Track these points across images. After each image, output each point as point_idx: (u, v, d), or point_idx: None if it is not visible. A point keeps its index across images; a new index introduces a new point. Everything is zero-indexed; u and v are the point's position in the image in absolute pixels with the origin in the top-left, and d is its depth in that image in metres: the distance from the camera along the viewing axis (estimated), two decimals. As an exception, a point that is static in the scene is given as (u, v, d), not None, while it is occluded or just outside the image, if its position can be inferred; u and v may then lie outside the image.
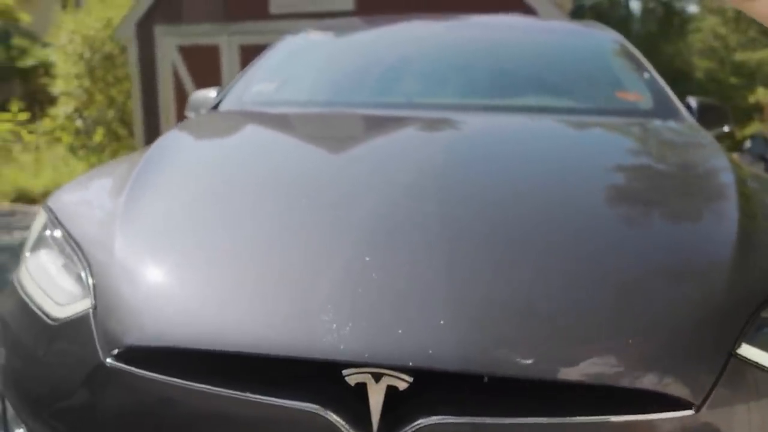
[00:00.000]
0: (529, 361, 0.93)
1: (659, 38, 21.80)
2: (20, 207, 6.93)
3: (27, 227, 5.80)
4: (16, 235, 5.40)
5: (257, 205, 1.33)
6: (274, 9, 7.58)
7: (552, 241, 1.18)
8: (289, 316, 1.01)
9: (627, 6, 25.41)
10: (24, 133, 8.73)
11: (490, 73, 2.25)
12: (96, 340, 1.07)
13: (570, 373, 0.94)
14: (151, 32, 8.17)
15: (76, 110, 9.72)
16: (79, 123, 9.74)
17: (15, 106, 8.65)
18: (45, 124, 9.69)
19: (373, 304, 1.00)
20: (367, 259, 1.09)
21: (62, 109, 9.82)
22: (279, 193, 1.38)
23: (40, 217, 1.47)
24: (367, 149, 1.67)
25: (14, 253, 4.69)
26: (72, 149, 9.61)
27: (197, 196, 1.40)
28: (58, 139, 9.71)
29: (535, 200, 1.34)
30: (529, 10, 6.63)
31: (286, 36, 2.67)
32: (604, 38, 2.55)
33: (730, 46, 20.42)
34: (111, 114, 9.57)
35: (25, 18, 7.72)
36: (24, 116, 8.68)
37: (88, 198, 1.53)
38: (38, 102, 10.63)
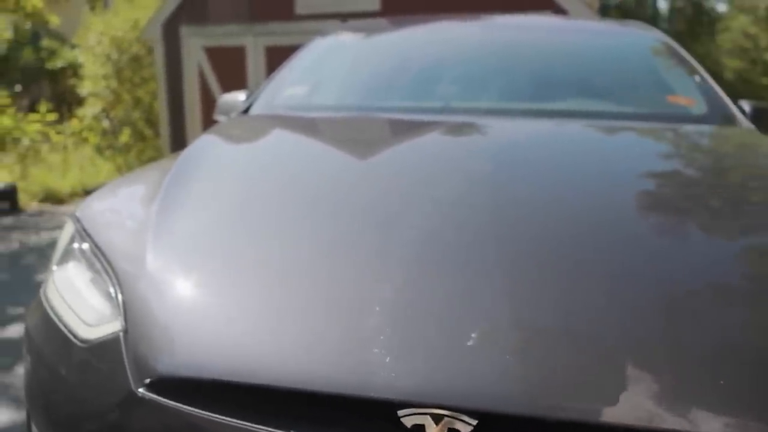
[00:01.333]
0: (610, 405, 0.84)
1: (688, 38, 21.42)
2: (48, 207, 6.99)
3: (54, 227, 5.83)
4: (44, 236, 5.44)
5: (301, 220, 1.25)
6: (299, 10, 7.55)
7: (625, 263, 1.07)
8: (338, 348, 0.92)
9: (654, 5, 25.03)
10: (52, 133, 8.83)
11: (533, 76, 2.15)
12: (127, 367, 1.00)
13: (655, 419, 0.83)
14: (177, 33, 8.20)
15: (103, 111, 9.81)
16: (105, 123, 9.83)
17: (43, 106, 8.75)
18: (72, 124, 9.80)
19: (431, 334, 0.91)
20: (422, 282, 1.00)
21: (89, 110, 9.91)
22: (323, 207, 1.29)
23: (68, 228, 1.41)
24: (411, 158, 1.57)
25: (42, 254, 4.73)
26: (99, 150, 9.70)
27: (236, 206, 1.32)
28: (86, 140, 9.81)
29: (600, 215, 1.23)
30: (559, 10, 6.52)
31: (315, 38, 2.62)
32: (649, 38, 2.42)
33: (761, 46, 19.99)
34: (137, 115, 9.64)
35: (54, 20, 7.79)
36: (52, 117, 8.78)
37: (118, 207, 1.46)
38: (66, 103, 10.75)
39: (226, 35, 7.99)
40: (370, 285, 1.02)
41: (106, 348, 1.06)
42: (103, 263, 1.20)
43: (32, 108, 9.71)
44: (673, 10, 24.96)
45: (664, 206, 1.32)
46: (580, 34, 2.48)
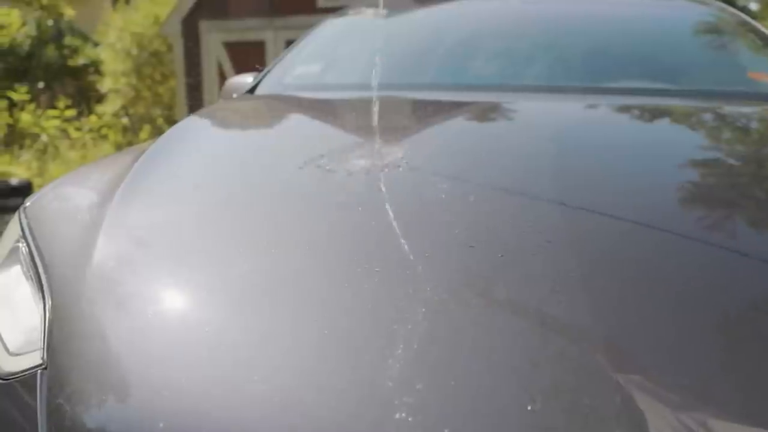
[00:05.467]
0: None
1: (721, 36, 20.88)
2: (64, 204, 6.88)
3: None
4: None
5: (305, 225, 0.92)
6: (322, 2, 7.36)
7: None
8: (354, 410, 0.62)
9: (685, 4, 24.51)
10: (71, 129, 8.73)
11: (593, 52, 1.81)
12: (38, 422, 0.70)
13: None
14: (196, 28, 8.06)
15: (123, 108, 9.72)
16: (125, 121, 9.74)
17: (62, 102, 8.67)
18: (90, 121, 9.71)
19: (485, 396, 0.62)
20: (470, 317, 0.70)
21: (109, 107, 9.83)
22: (334, 202, 0.99)
23: (13, 224, 1.12)
24: (451, 144, 1.23)
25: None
26: (118, 147, 9.60)
27: (218, 198, 1.03)
28: (105, 137, 9.72)
29: (714, 219, 0.93)
30: None
31: (328, 18, 2.39)
32: (716, 11, 2.11)
33: (796, 45, 19.43)
34: (157, 112, 9.54)
35: (69, 12, 7.71)
36: (71, 113, 8.68)
37: (75, 199, 1.16)
38: (86, 100, 10.70)
39: (245, 30, 7.82)
40: (409, 327, 0.69)
41: (22, 390, 0.76)
42: (38, 271, 0.91)
43: (54, 105, 9.66)
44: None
45: None
46: (634, 7, 2.17)
